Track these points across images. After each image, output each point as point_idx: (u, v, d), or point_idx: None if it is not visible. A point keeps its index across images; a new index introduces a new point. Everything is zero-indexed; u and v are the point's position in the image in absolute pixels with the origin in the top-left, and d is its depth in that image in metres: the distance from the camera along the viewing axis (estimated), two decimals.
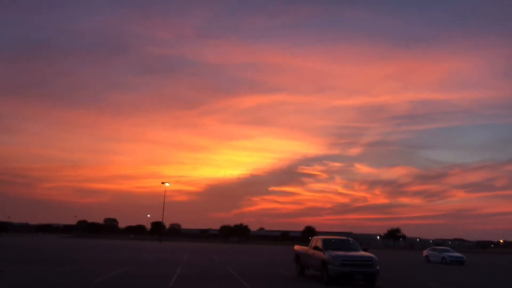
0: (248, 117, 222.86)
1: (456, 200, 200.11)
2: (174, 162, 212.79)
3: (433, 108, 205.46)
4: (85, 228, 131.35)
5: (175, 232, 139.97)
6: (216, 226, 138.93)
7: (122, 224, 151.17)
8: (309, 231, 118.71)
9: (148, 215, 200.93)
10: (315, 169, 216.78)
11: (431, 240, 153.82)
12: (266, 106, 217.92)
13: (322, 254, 14.69)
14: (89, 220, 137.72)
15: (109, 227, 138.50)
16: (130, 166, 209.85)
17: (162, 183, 75.71)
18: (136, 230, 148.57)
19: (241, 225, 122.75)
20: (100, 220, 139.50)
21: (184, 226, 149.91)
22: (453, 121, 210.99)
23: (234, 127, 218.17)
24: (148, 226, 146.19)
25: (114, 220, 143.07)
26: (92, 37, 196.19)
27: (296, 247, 18.66)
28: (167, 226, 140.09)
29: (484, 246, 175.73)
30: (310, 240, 17.11)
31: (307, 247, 16.96)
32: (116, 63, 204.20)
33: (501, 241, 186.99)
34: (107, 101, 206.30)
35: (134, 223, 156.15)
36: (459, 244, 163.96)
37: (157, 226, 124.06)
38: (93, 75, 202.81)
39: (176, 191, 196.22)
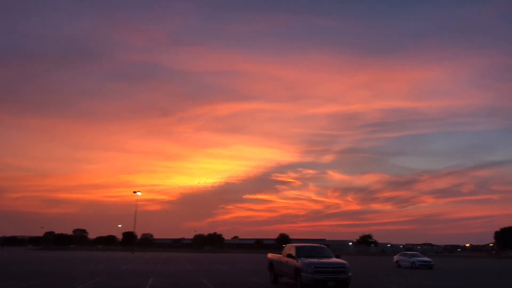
0: (223, 124, 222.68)
1: (425, 206, 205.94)
2: (147, 171, 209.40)
3: (403, 116, 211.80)
4: (53, 240, 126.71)
5: (148, 242, 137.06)
6: (190, 235, 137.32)
7: (92, 235, 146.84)
8: (283, 239, 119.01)
9: (119, 225, 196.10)
10: (289, 177, 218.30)
11: (402, 245, 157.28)
12: (241, 114, 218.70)
13: (295, 261, 14.76)
14: (57, 231, 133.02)
15: (78, 238, 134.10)
16: (101, 175, 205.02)
17: (134, 192, 74.31)
18: (107, 241, 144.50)
19: (215, 234, 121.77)
20: (68, 231, 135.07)
21: (157, 236, 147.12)
22: (422, 128, 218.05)
23: (209, 135, 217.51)
24: (120, 237, 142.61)
25: (84, 230, 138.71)
26: (64, 42, 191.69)
27: (270, 255, 18.66)
28: (139, 236, 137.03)
29: (451, 250, 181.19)
30: (283, 248, 17.16)
31: (280, 255, 17.00)
32: (89, 69, 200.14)
33: (467, 245, 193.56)
34: (79, 108, 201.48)
35: (104, 233, 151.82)
36: (428, 248, 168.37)
37: (129, 236, 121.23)
38: (65, 81, 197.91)
39: (148, 200, 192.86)
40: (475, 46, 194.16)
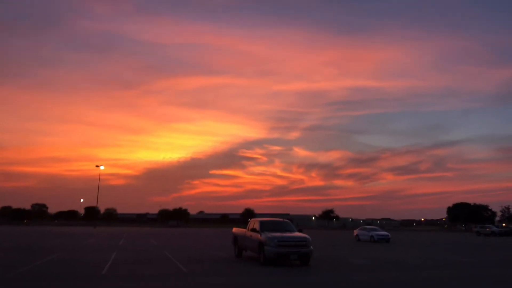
0: (189, 99, 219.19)
1: (385, 182, 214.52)
2: (111, 145, 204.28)
3: (367, 95, 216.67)
4: (10, 215, 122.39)
5: (111, 217, 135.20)
6: (155, 210, 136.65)
7: (52, 210, 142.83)
8: (248, 213, 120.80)
9: (81, 200, 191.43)
10: (255, 153, 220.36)
11: (362, 220, 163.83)
12: (208, 88, 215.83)
13: (259, 236, 15.04)
14: (15, 206, 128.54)
15: (37, 213, 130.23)
16: (62, 148, 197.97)
17: (97, 166, 72.59)
18: (68, 216, 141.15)
19: (180, 208, 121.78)
20: (27, 205, 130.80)
21: (121, 210, 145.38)
22: (385, 107, 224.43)
23: (175, 109, 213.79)
24: (82, 212, 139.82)
25: (43, 205, 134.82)
26: (19, 7, 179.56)
27: (234, 229, 18.90)
28: (102, 211, 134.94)
29: (407, 224, 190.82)
30: (248, 222, 17.42)
31: (245, 229, 17.25)
32: (47, 37, 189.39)
33: (422, 219, 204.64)
34: (37, 78, 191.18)
35: (65, 208, 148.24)
36: (386, 223, 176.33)
37: (91, 211, 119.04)
38: (20, 49, 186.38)
39: (112, 175, 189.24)
40: (438, 29, 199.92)
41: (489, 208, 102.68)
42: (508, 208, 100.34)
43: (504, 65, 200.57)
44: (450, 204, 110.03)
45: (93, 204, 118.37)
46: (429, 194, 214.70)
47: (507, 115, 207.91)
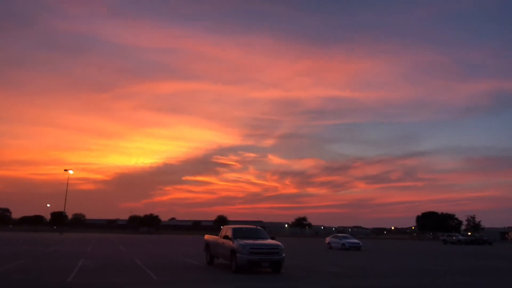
0: (163, 103, 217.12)
1: (357, 191, 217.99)
2: (81, 149, 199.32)
3: (341, 105, 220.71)
4: None
5: (79, 222, 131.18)
6: (125, 216, 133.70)
7: (16, 215, 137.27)
8: (221, 220, 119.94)
9: (48, 205, 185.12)
10: (230, 159, 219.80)
11: (334, 227, 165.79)
12: (183, 93, 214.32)
13: (231, 243, 14.96)
14: None
15: None
16: (29, 151, 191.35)
17: (65, 170, 70.48)
18: (34, 221, 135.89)
19: (151, 215, 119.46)
20: None
21: (90, 216, 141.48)
22: (358, 117, 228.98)
23: (149, 113, 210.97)
24: (48, 217, 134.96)
25: (7, 210, 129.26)
26: None
27: (206, 236, 18.74)
28: (70, 216, 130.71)
29: (378, 232, 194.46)
30: (221, 229, 17.31)
31: (217, 237, 17.12)
32: (17, 36, 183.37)
33: (393, 228, 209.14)
34: (4, 78, 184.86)
35: (31, 213, 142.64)
36: (358, 231, 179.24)
37: (58, 216, 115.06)
38: None
39: (81, 179, 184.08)
40: (410, 43, 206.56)
41: (456, 217, 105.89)
42: (473, 218, 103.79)
43: (472, 79, 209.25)
44: (419, 213, 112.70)
45: (61, 209, 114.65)
46: (399, 203, 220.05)
47: (473, 128, 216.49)
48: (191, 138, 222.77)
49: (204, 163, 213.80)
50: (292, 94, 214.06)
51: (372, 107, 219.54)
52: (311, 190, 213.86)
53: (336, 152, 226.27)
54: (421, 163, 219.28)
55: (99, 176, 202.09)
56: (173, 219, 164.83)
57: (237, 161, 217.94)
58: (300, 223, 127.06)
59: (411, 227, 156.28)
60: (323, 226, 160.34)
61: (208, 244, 18.02)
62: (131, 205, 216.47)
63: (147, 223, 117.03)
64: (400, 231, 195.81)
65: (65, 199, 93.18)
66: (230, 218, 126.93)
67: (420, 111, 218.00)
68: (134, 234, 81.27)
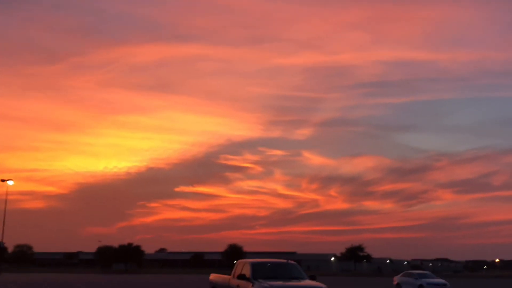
0: (144, 78, 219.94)
1: (441, 205, 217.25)
2: (23, 148, 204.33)
3: (414, 73, 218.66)
4: None
5: (25, 257, 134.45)
6: (92, 247, 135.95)
7: None
8: (234, 252, 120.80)
9: None
10: (245, 160, 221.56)
11: (406, 261, 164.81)
12: (173, 62, 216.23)
13: (250, 285, 15.09)
14: None
15: None
16: None
17: (2, 180, 72.13)
18: None
19: (130, 245, 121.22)
20: None
21: (40, 248, 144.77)
22: (440, 92, 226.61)
23: (122, 93, 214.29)
24: None
25: None
26: None
27: (213, 276, 18.97)
28: (11, 249, 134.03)
29: (475, 268, 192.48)
30: (234, 265, 17.51)
31: (229, 276, 17.31)
32: None
33: (497, 260, 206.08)
34: None
35: None
36: (442, 265, 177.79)
37: None
38: None
39: (25, 194, 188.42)
40: None
41: None
42: None
43: None
44: None
45: None
46: (507, 222, 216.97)
47: None
48: (187, 129, 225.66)
49: (207, 166, 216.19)
50: (338, 58, 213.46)
51: (461, 75, 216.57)
52: (369, 204, 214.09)
53: (408, 146, 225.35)
54: None
55: (51, 189, 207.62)
56: (162, 250, 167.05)
57: (257, 162, 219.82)
58: (355, 254, 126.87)
59: None
60: (390, 259, 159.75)
61: None
62: (99, 231, 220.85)
63: (124, 258, 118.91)
64: (509, 265, 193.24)
65: (3, 224, 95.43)
66: (247, 249, 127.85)
67: None
68: (105, 274, 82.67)
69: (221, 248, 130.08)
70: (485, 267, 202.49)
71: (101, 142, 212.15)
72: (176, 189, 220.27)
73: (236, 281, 16.20)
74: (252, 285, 14.97)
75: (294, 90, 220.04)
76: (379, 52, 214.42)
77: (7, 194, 70.15)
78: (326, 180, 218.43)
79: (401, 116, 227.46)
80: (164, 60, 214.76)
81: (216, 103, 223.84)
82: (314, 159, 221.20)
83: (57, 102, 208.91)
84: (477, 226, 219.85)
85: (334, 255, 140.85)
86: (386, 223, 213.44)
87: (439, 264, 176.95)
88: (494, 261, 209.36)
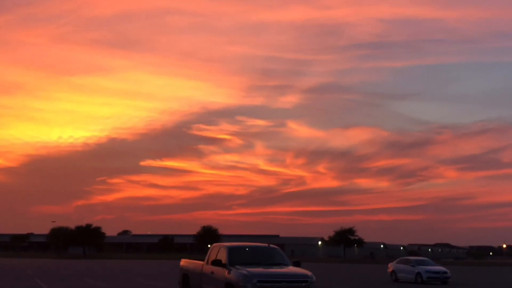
0: (104, 33, 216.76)
1: (443, 183, 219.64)
2: None
3: (416, 33, 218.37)
4: None
5: None
6: (44, 229, 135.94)
7: None
8: (208, 235, 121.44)
9: None
10: (221, 130, 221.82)
11: (402, 246, 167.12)
12: (139, 15, 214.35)
13: (226, 272, 15.22)
14: None
15: None
16: None
17: None
18: None
19: (88, 226, 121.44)
20: None
21: None
22: (444, 55, 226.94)
23: (79, 50, 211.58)
24: None
25: None
26: None
27: (184, 262, 19.07)
28: None
29: (479, 254, 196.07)
30: (208, 249, 17.62)
31: (202, 262, 17.44)
32: None
33: (505, 246, 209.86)
34: None
35: None
36: (443, 251, 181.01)
37: None
38: None
39: None
40: None
41: None
42: None
43: None
44: None
45: None
46: None
47: None
48: (155, 94, 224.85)
49: (179, 138, 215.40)
50: (332, 14, 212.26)
51: (471, 36, 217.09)
52: (362, 182, 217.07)
53: (407, 116, 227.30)
54: None
55: None
56: (125, 233, 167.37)
57: (235, 133, 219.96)
58: (345, 238, 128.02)
59: None
60: (384, 244, 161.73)
61: (186, 275, 18.35)
62: (53, 211, 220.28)
63: (81, 241, 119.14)
64: None
65: None
66: (223, 231, 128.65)
67: None
68: (59, 259, 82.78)
69: (194, 230, 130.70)
70: (491, 253, 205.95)
71: (55, 107, 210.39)
72: (142, 163, 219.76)
73: (211, 268, 16.31)
74: (229, 272, 15.10)
75: (280, 50, 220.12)
76: (379, 7, 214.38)
77: None
78: (314, 155, 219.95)
79: (401, 82, 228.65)
80: (128, 12, 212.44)
81: (189, 64, 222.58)
82: (300, 131, 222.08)
83: (2, 59, 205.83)
84: (483, 207, 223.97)
85: (322, 239, 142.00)
86: (381, 204, 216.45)
87: (440, 250, 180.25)
88: (501, 247, 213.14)
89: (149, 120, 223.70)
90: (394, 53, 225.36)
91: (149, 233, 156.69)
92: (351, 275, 47.46)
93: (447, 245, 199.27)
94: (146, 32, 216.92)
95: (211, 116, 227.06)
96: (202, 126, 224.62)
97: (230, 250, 16.09)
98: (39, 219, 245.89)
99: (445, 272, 36.37)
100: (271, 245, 17.26)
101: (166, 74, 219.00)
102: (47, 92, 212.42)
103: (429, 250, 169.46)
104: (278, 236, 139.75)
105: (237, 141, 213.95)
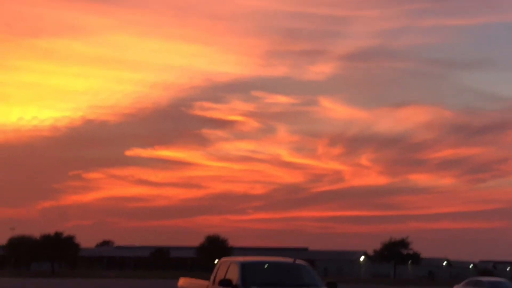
0: None
1: None
2: None
3: None
4: None
5: None
6: (2, 238, 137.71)
7: None
8: (215, 247, 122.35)
9: None
10: (232, 110, 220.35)
11: (472, 263, 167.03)
12: None
13: None
14: None
15: None
16: None
17: None
18: None
19: (59, 235, 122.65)
20: None
21: None
22: None
23: (45, 5, 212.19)
24: None
25: None
26: None
27: (183, 281, 19.31)
28: None
29: None
30: (215, 266, 17.84)
31: (207, 282, 17.66)
32: None
33: None
34: None
35: None
36: None
37: None
38: None
39: None
40: None
41: None
42: None
43: None
44: None
45: None
46: None
47: None
48: (145, 61, 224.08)
49: (175, 119, 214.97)
50: None
51: None
52: (419, 179, 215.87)
53: (479, 91, 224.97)
54: None
55: None
56: (106, 244, 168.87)
57: (250, 113, 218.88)
58: (395, 252, 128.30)
59: None
60: (447, 260, 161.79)
61: None
62: (12, 214, 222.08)
63: (49, 254, 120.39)
64: None
65: None
66: (234, 243, 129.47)
67: None
68: (20, 278, 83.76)
69: (196, 241, 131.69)
70: None
71: (13, 79, 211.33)
72: (128, 153, 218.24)
73: None
74: None
75: (309, 4, 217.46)
76: None
77: None
78: (354, 142, 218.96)
79: (471, 46, 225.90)
80: None
81: (189, 22, 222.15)
82: (336, 110, 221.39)
83: None
84: None
85: (365, 253, 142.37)
86: (444, 207, 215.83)
87: None
88: None
89: (136, 96, 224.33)
90: (461, 7, 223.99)
91: (137, 244, 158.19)
92: None
93: None
94: None
95: (218, 91, 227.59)
96: (206, 104, 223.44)
97: (244, 267, 16.21)
98: None
99: None
100: (297, 261, 17.40)
101: (158, 36, 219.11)
102: (3, 60, 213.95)
103: (508, 269, 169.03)
104: (306, 249, 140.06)
105: (253, 123, 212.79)
